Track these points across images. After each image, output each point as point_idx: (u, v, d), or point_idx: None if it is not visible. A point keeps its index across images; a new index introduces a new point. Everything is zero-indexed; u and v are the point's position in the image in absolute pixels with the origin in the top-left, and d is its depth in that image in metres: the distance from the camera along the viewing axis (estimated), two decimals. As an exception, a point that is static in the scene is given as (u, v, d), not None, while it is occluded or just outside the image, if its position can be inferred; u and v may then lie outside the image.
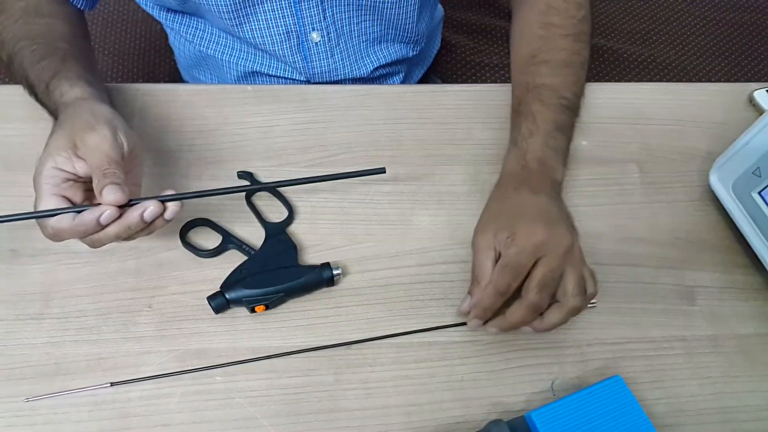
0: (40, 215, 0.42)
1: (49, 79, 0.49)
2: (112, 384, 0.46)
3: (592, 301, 0.50)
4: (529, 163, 0.50)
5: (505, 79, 0.64)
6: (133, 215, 0.42)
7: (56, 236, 0.43)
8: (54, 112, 0.48)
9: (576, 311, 0.44)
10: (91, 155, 0.42)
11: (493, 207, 0.50)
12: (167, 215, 0.44)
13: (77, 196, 0.44)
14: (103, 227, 0.42)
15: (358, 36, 0.68)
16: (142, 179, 0.48)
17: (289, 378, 0.47)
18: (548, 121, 0.52)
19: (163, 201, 0.44)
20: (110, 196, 0.41)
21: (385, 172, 0.50)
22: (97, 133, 0.43)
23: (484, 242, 0.46)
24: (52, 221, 0.42)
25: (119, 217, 0.42)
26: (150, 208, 0.42)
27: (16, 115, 0.59)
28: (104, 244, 0.44)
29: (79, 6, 0.59)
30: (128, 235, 0.44)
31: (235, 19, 0.62)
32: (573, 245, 0.45)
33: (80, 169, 0.43)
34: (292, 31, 0.64)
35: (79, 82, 0.49)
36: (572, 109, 0.54)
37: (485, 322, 0.46)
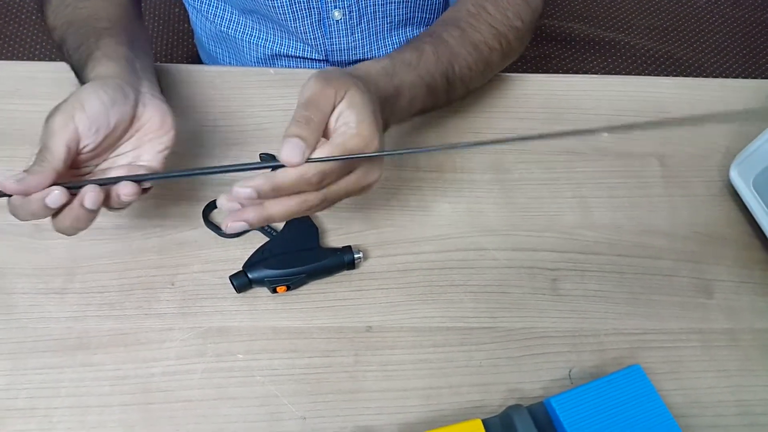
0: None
1: (83, 64, 0.48)
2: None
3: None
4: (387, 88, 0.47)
5: (525, 69, 0.64)
6: (74, 205, 0.40)
7: (13, 212, 0.41)
8: None
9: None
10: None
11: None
12: (122, 198, 0.41)
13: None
14: (56, 211, 0.41)
15: (382, 17, 0.68)
16: (158, 157, 0.45)
17: (310, 358, 0.47)
18: (423, 75, 0.50)
19: (103, 184, 0.41)
20: (6, 180, 0.39)
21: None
22: (52, 119, 0.41)
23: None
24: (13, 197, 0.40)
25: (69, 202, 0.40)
26: (88, 195, 0.40)
27: (39, 92, 0.59)
28: (69, 233, 0.42)
29: None
30: (83, 224, 0.41)
31: None
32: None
33: None
34: (314, 7, 0.65)
35: (102, 60, 0.47)
36: (449, 82, 0.53)
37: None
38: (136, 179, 0.42)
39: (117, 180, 0.42)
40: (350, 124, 0.40)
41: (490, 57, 0.56)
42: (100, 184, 0.41)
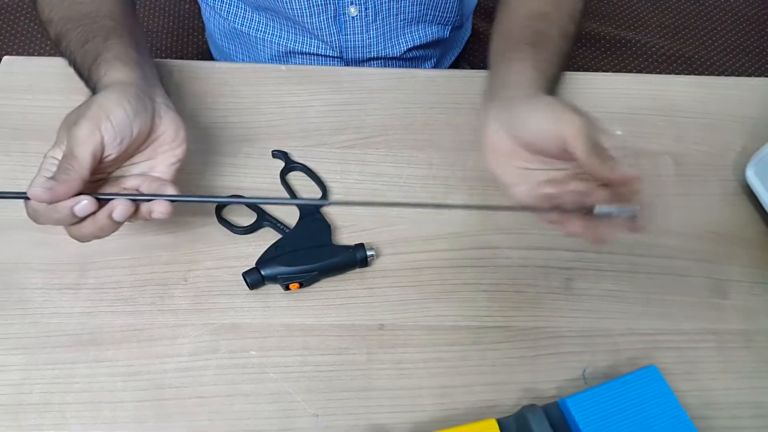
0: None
1: (90, 63, 0.48)
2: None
3: None
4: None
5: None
6: (100, 216, 0.41)
7: (33, 216, 0.41)
8: None
9: None
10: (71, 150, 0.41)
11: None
12: (155, 215, 0.42)
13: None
14: (80, 219, 0.41)
15: (396, 14, 0.68)
16: (170, 170, 0.46)
17: (323, 355, 0.47)
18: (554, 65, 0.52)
19: (135, 200, 0.42)
20: (34, 189, 0.39)
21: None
22: (77, 127, 0.41)
23: None
24: (32, 201, 0.40)
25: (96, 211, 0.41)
26: (119, 208, 0.41)
27: (52, 87, 0.59)
28: (85, 240, 0.42)
29: None
30: (105, 234, 0.42)
31: None
32: None
33: None
34: (330, 3, 0.65)
35: (116, 63, 0.47)
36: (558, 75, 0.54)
37: None
38: (171, 199, 0.42)
39: (147, 198, 0.42)
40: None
41: (570, 38, 0.57)
42: (132, 200, 0.42)
